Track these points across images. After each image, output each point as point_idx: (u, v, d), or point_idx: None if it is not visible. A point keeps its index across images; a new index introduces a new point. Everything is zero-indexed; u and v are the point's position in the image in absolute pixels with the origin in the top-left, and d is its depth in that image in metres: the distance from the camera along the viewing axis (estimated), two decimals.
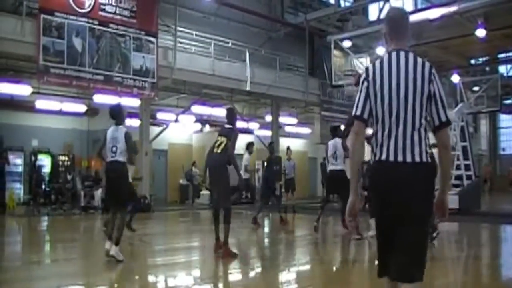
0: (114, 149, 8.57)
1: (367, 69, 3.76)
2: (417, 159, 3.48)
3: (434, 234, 10.11)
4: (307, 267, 9.17)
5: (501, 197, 30.61)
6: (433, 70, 3.61)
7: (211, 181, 9.34)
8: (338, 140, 12.12)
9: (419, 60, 3.63)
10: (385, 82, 3.60)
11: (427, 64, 3.61)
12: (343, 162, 12.04)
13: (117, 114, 8.98)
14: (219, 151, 9.21)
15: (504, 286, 7.62)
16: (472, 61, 36.18)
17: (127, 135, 8.66)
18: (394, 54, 3.68)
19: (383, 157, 3.54)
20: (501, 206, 24.09)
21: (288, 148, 20.39)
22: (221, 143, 9.29)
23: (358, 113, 3.67)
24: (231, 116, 10.02)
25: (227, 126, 9.77)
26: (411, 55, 3.65)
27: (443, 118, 3.58)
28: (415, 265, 3.44)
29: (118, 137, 8.60)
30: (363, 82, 3.73)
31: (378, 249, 3.69)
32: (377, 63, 3.71)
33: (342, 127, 12.73)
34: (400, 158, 3.49)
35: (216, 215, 9.35)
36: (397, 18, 3.83)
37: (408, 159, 3.48)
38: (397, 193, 3.48)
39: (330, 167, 12.21)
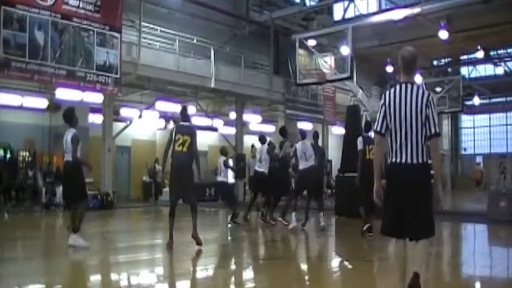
0: (66, 150, 9.42)
1: (384, 96, 5.31)
2: (421, 160, 5.11)
3: (364, 228, 11.40)
4: (264, 264, 9.17)
5: (463, 196, 31.12)
6: (430, 98, 5.17)
7: (177, 179, 9.52)
8: (265, 147, 14.62)
9: (420, 90, 5.18)
10: (397, 107, 5.16)
11: (426, 93, 5.17)
12: (266, 166, 14.41)
13: (68, 117, 9.65)
14: (185, 149, 9.40)
15: (465, 283, 7.74)
16: (435, 62, 36.80)
17: (73, 137, 9.34)
18: (404, 86, 5.22)
19: (398, 160, 5.17)
20: (462, 205, 24.48)
21: (252, 146, 20.41)
22: (184, 141, 9.42)
23: (378, 129, 5.30)
24: (187, 114, 10.18)
25: (184, 124, 9.87)
26: (415, 87, 5.20)
27: (433, 132, 5.10)
28: (429, 229, 5.22)
29: (67, 139, 9.37)
30: (382, 106, 5.27)
31: (388, 221, 5.28)
32: (392, 91, 5.25)
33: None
34: (409, 161, 5.11)
35: (173, 213, 9.63)
36: (408, 58, 5.32)
37: (415, 161, 5.10)
38: (409, 183, 5.11)
39: (255, 168, 14.85)
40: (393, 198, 5.19)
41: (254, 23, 27.24)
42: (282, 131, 15.08)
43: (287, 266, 8.62)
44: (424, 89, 5.27)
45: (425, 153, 5.11)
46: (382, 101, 5.30)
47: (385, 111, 5.24)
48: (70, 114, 9.66)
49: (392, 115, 5.18)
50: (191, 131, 9.59)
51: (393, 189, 5.20)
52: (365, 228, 11.37)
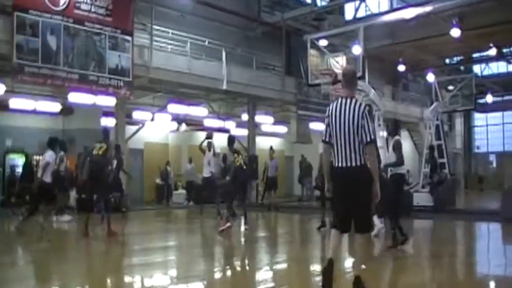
0: None
1: (328, 108, 6.08)
2: (358, 163, 5.88)
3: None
4: (278, 267, 9.18)
5: (477, 195, 30.99)
6: (365, 109, 5.96)
7: (93, 178, 11.85)
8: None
9: (357, 103, 5.99)
10: (337, 119, 5.95)
11: (362, 105, 5.99)
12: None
13: None
14: (100, 153, 11.76)
15: (479, 282, 7.71)
16: (447, 61, 36.63)
17: None
18: (344, 100, 6.02)
19: (339, 164, 5.95)
20: (477, 204, 24.40)
21: (271, 147, 21.03)
22: (100, 147, 11.82)
23: (323, 138, 6.11)
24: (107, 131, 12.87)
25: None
26: (353, 101, 6.00)
27: (368, 139, 5.88)
28: (367, 223, 6.16)
29: None
30: (327, 117, 6.06)
31: (336, 218, 6.12)
32: (334, 105, 6.05)
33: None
34: (347, 164, 5.90)
35: (89, 207, 12.74)
36: (348, 75, 6.28)
37: (352, 164, 5.88)
38: (348, 183, 5.91)
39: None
40: (338, 198, 6.08)
41: (266, 24, 27.24)
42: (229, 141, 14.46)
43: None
44: (361, 103, 6.10)
45: (361, 157, 5.90)
46: (326, 113, 6.11)
47: (328, 121, 6.05)
48: None
49: (333, 126, 5.98)
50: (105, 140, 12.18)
51: (337, 190, 6.06)
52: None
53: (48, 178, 12.18)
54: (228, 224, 12.87)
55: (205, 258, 9.97)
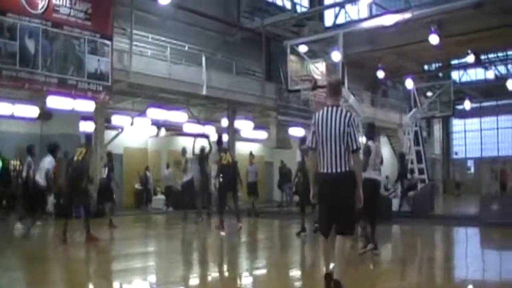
0: None
1: (314, 116, 6.27)
2: (343, 170, 6.03)
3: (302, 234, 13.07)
4: (258, 272, 9.16)
5: (454, 201, 31.21)
6: (351, 118, 6.12)
7: (72, 183, 11.74)
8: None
9: (344, 112, 6.15)
10: (323, 126, 6.10)
11: (348, 114, 6.14)
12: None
13: None
14: (80, 158, 11.72)
15: (457, 287, 7.77)
16: (426, 67, 36.97)
17: None
18: (330, 108, 6.18)
19: (325, 170, 6.09)
20: (455, 209, 24.57)
21: (250, 153, 21.05)
22: (81, 152, 11.81)
23: (310, 145, 6.26)
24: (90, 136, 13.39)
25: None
26: (339, 109, 6.17)
27: (354, 147, 6.05)
28: (350, 226, 6.14)
29: None
30: (312, 125, 6.26)
31: (320, 221, 6.49)
32: (320, 113, 6.22)
33: None
34: (334, 170, 6.03)
35: (68, 213, 12.18)
36: (334, 84, 6.49)
37: (338, 170, 6.02)
38: (334, 188, 6.04)
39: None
40: (323, 202, 6.21)
41: (246, 29, 27.26)
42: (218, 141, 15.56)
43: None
44: (347, 111, 6.26)
45: (347, 163, 6.04)
46: (312, 121, 6.31)
47: (315, 129, 6.20)
48: None
49: (319, 133, 6.14)
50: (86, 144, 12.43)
51: (322, 194, 6.18)
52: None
53: (43, 182, 12.29)
54: (241, 225, 14.22)
55: (185, 264, 9.95)
